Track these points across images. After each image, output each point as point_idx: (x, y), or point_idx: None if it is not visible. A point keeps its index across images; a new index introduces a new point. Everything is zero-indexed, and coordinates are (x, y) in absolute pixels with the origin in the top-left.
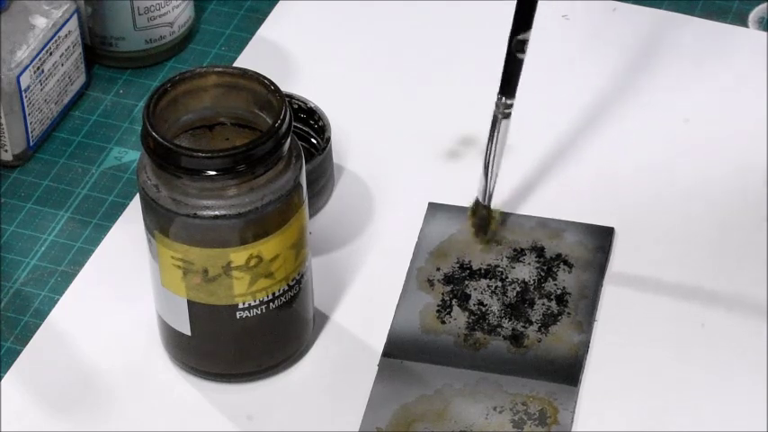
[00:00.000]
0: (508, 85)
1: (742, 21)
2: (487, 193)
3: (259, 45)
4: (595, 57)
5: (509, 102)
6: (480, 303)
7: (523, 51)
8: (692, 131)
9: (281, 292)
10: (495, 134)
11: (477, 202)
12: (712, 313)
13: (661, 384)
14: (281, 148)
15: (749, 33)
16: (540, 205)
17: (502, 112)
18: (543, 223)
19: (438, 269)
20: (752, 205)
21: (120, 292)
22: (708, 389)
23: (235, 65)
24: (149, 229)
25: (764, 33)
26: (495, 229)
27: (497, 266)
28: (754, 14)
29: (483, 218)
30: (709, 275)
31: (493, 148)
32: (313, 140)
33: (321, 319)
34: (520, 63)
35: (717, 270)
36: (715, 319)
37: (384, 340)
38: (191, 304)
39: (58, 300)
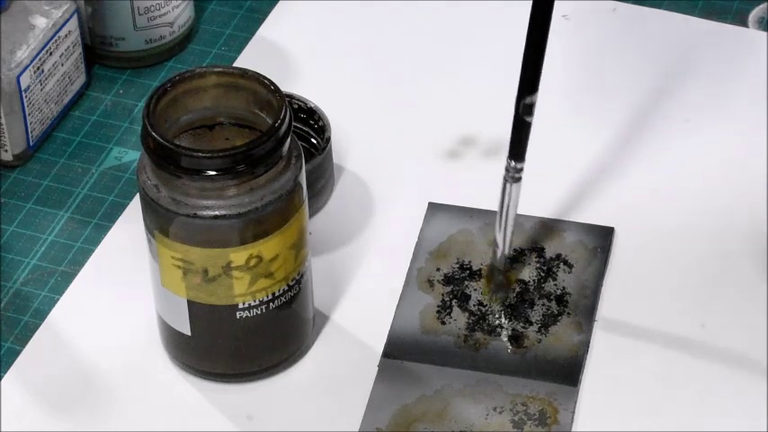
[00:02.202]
0: (517, 148)
1: (742, 21)
2: (502, 257)
3: (259, 45)
4: (595, 57)
5: (519, 166)
6: (480, 304)
7: (531, 114)
8: (692, 131)
9: (281, 292)
10: (506, 199)
11: (491, 268)
12: (712, 313)
13: (661, 384)
14: (281, 148)
15: (749, 33)
16: (539, 205)
17: (512, 177)
18: (543, 223)
19: (438, 269)
20: (752, 205)
21: (120, 292)
22: (708, 389)
23: (235, 65)
24: (149, 229)
25: (764, 33)
26: (512, 290)
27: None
28: (754, 14)
29: (500, 283)
30: (710, 275)
31: (504, 214)
32: (313, 140)
33: (321, 319)
34: (528, 127)
35: (717, 270)
36: (715, 319)
37: (384, 341)
38: (191, 304)
39: (58, 300)
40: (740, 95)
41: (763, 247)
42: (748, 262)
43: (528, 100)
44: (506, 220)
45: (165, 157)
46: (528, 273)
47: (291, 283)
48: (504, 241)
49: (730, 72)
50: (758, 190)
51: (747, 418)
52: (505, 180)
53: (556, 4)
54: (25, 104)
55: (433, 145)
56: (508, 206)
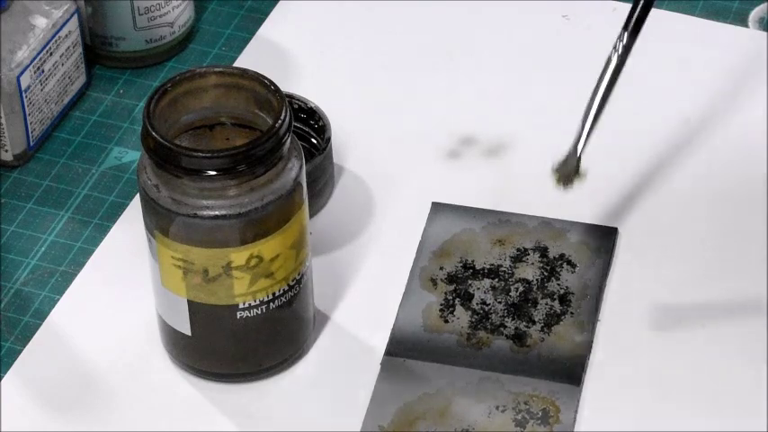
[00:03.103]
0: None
1: (742, 21)
2: (582, 141)
3: (259, 45)
4: (595, 57)
5: (630, 41)
6: (483, 303)
7: None
8: (692, 131)
9: (282, 292)
10: (606, 76)
11: (569, 153)
12: (712, 313)
13: (662, 384)
14: (281, 148)
15: (749, 33)
16: (543, 205)
17: (618, 52)
18: (547, 223)
19: (441, 268)
20: (752, 205)
21: (120, 292)
22: (708, 389)
23: (235, 65)
24: (149, 229)
25: (764, 33)
26: (576, 184)
27: (500, 266)
28: (754, 14)
29: (572, 169)
30: (710, 276)
31: (600, 93)
32: (313, 140)
33: (321, 319)
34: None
35: (717, 270)
36: (715, 319)
37: (384, 340)
38: (191, 304)
39: (58, 300)
40: (740, 95)
41: (763, 248)
42: (749, 262)
43: None
44: (599, 102)
45: (165, 157)
46: (531, 272)
47: (292, 283)
48: (589, 124)
49: (730, 72)
50: (758, 190)
51: (747, 418)
52: (610, 56)
53: (556, 4)
54: (25, 104)
55: (433, 145)
56: (606, 86)
